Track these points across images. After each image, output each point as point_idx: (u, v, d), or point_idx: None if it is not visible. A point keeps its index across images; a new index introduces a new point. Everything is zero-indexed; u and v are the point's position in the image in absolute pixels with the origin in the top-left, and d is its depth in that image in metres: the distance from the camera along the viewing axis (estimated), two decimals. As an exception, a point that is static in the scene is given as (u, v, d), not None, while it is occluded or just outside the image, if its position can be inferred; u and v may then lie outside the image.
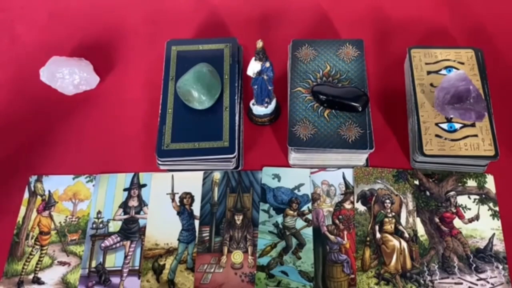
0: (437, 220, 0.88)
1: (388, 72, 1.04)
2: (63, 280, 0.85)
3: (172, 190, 0.92)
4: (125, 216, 0.90)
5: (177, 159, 0.89)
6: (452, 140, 0.88)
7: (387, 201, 0.90)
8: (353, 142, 0.87)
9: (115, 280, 0.85)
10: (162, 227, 0.89)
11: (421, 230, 0.87)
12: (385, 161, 0.93)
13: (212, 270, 0.85)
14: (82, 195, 0.92)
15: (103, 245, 0.88)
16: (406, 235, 0.87)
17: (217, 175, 0.93)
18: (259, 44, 0.83)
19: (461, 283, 0.83)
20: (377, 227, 0.88)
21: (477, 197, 0.90)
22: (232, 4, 1.14)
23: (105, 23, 1.13)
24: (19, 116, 1.01)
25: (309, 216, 0.89)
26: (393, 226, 0.88)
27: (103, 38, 1.10)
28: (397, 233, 0.87)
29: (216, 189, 0.92)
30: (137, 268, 0.86)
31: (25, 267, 0.86)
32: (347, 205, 0.90)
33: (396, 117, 0.98)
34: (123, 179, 0.93)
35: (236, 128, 0.91)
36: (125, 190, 0.92)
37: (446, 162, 0.90)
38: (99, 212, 0.91)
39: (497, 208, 0.89)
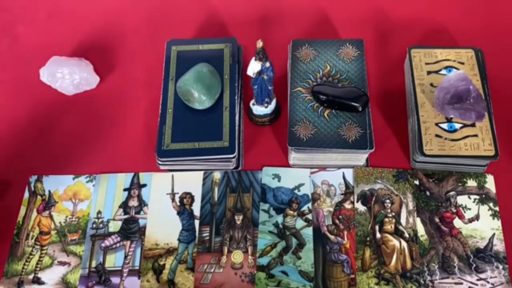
0: (437, 220, 0.88)
1: (388, 72, 1.04)
2: (63, 280, 0.85)
3: (172, 190, 0.92)
4: (125, 216, 0.90)
5: (177, 159, 0.89)
6: (452, 140, 0.88)
7: (387, 201, 0.90)
8: (353, 142, 0.87)
9: (115, 280, 0.85)
10: (162, 227, 0.89)
11: (421, 230, 0.87)
12: (385, 161, 0.93)
13: (212, 270, 0.85)
14: (82, 195, 0.92)
15: (103, 245, 0.88)
16: (406, 235, 0.87)
17: (217, 175, 0.93)
18: (259, 44, 0.83)
19: (461, 283, 0.83)
20: (377, 227, 0.88)
21: (477, 197, 0.90)
22: (232, 4, 1.14)
23: (105, 23, 1.13)
24: (19, 116, 1.01)
25: (309, 216, 0.89)
26: (393, 226, 0.88)
27: (103, 38, 1.10)
28: (397, 233, 0.87)
29: (216, 189, 0.92)
30: (137, 268, 0.86)
31: (25, 267, 0.86)
32: (347, 205, 0.90)
33: (396, 117, 0.98)
34: (123, 179, 0.93)
35: (236, 128, 0.91)
36: (125, 190, 0.92)
37: (446, 162, 0.90)
38: (99, 212, 0.91)
39: (497, 208, 0.89)
